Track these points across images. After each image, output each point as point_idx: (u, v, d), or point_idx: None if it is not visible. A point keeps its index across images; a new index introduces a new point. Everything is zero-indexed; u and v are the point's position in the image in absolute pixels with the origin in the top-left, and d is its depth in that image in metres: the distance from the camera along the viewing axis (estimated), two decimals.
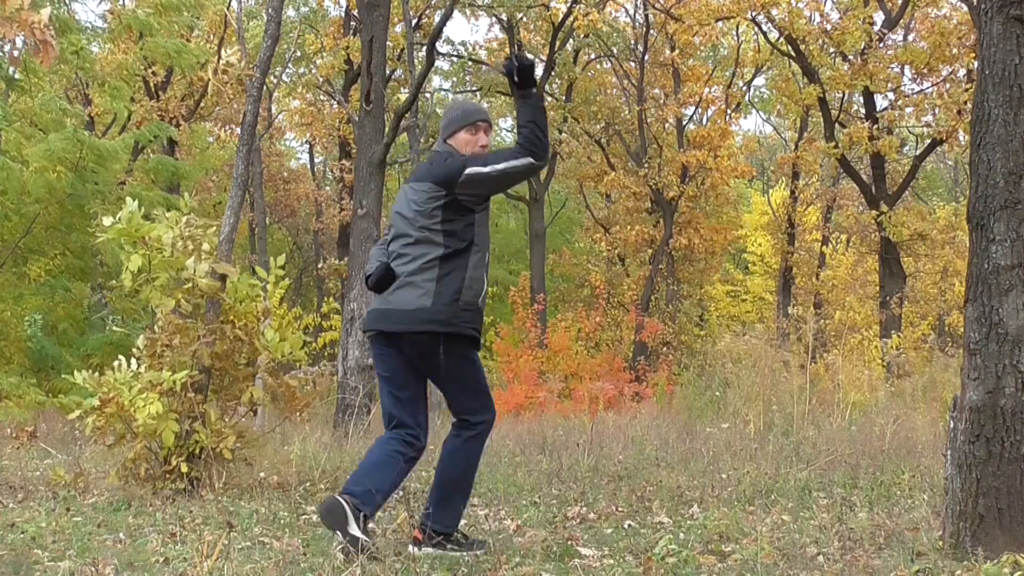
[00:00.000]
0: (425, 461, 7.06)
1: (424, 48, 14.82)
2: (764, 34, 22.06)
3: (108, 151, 12.79)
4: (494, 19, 25.07)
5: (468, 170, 4.13)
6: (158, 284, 5.87)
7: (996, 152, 3.90)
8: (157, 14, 14.49)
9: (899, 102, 20.31)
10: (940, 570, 3.72)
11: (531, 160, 4.11)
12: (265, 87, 13.92)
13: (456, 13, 19.59)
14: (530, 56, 3.91)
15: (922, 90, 20.75)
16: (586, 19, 20.18)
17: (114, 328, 11.05)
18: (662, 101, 25.28)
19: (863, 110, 21.36)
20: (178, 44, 14.82)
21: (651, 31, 23.97)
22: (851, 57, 19.92)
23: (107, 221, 5.81)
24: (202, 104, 23.63)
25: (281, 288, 6.30)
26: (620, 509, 5.29)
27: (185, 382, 5.76)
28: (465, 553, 4.12)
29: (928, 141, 20.02)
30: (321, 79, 23.09)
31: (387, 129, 11.72)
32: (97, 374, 5.94)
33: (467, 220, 4.20)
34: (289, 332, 6.22)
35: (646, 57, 24.51)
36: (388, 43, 13.85)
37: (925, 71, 19.60)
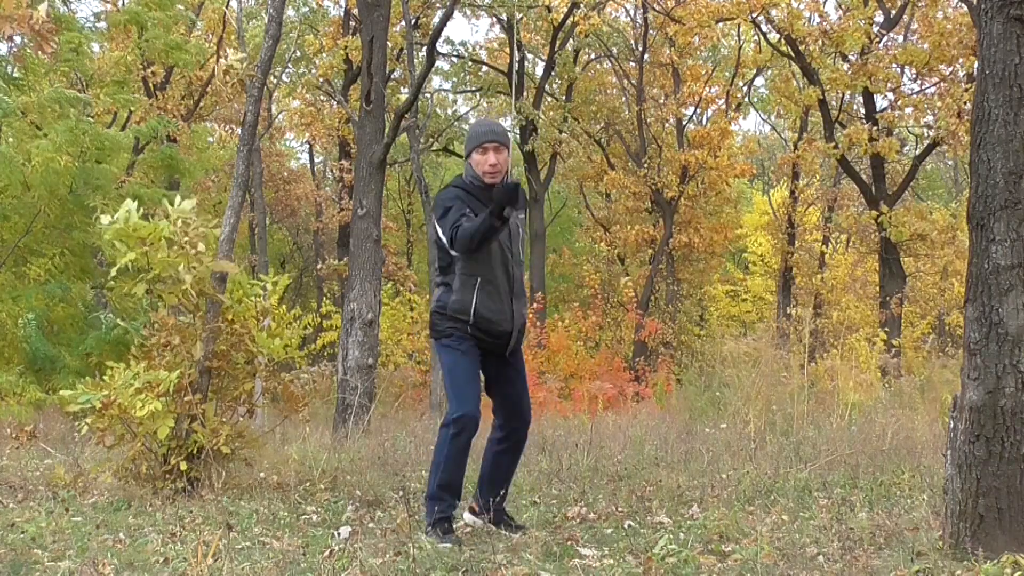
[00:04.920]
0: (424, 461, 7.08)
1: (424, 48, 14.82)
2: (764, 35, 22.08)
3: (112, 141, 12.80)
4: (494, 19, 25.09)
5: (434, 218, 4.69)
6: (150, 280, 5.86)
7: (996, 152, 3.90)
8: (150, 8, 14.48)
9: (899, 102, 20.31)
10: (940, 570, 3.72)
11: (450, 246, 4.60)
12: (265, 87, 13.93)
13: (456, 13, 19.58)
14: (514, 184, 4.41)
15: (922, 90, 20.76)
16: (587, 23, 20.20)
17: (118, 323, 11.04)
18: (662, 101, 25.29)
19: (863, 110, 21.36)
20: (175, 40, 14.78)
21: (651, 31, 23.97)
22: (851, 57, 19.92)
23: (105, 220, 5.79)
24: (201, 104, 23.62)
25: (280, 287, 6.30)
26: (620, 509, 5.29)
27: (182, 382, 5.75)
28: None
29: (928, 142, 20.01)
30: (321, 79, 23.09)
31: (387, 129, 11.72)
32: (97, 374, 5.94)
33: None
34: (283, 330, 6.22)
35: (645, 57, 24.52)
36: (388, 43, 13.84)
37: (925, 71, 19.59)
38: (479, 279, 4.64)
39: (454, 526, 4.62)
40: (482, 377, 4.84)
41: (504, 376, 4.86)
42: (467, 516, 4.90)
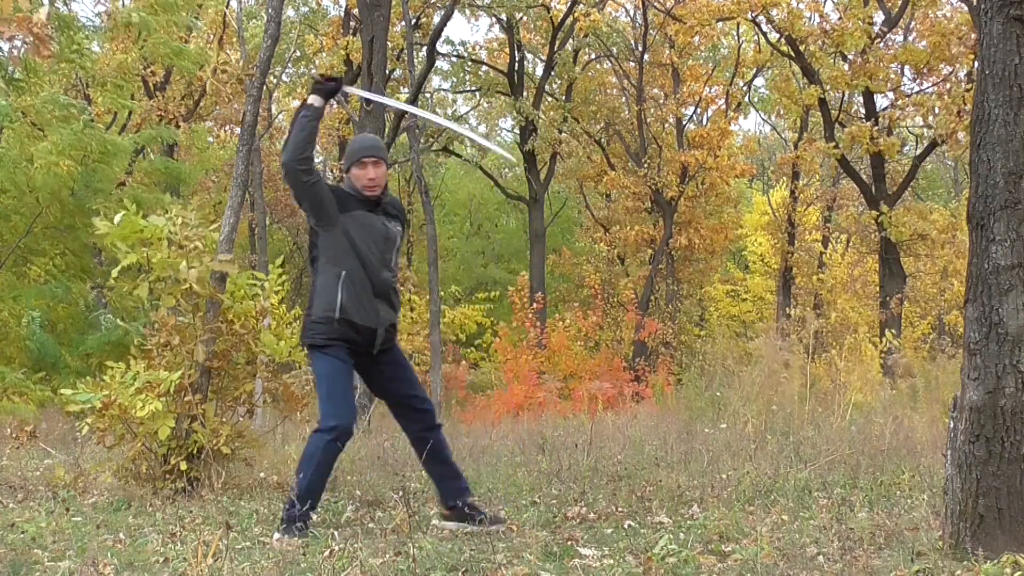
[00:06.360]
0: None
1: (424, 48, 14.82)
2: (764, 35, 22.08)
3: (115, 146, 12.84)
4: (494, 19, 25.09)
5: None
6: (152, 281, 5.87)
7: (996, 152, 3.90)
8: (153, 12, 14.48)
9: (899, 102, 20.31)
10: (940, 570, 3.72)
11: (281, 165, 4.77)
12: (265, 87, 13.89)
13: (456, 13, 19.58)
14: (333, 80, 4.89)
15: (922, 90, 20.76)
16: (588, 20, 20.19)
17: (118, 323, 11.05)
18: (661, 101, 25.30)
19: (863, 110, 21.36)
20: (178, 45, 14.83)
21: (650, 31, 23.98)
22: (851, 57, 19.93)
23: (103, 226, 5.80)
24: (201, 104, 23.62)
25: (281, 287, 6.31)
26: (620, 509, 5.29)
27: (183, 382, 5.75)
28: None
29: (928, 141, 20.00)
30: None
31: (387, 129, 11.73)
32: (97, 374, 5.94)
33: (320, 240, 4.80)
34: (283, 330, 6.22)
35: (645, 57, 24.52)
36: (388, 43, 13.85)
37: (925, 71, 19.60)
38: (343, 272, 4.70)
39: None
40: (359, 382, 5.00)
41: (385, 374, 4.91)
42: (441, 523, 4.89)
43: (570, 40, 24.47)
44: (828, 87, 19.74)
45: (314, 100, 4.80)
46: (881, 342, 13.95)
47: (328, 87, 4.89)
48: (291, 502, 4.55)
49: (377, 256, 4.80)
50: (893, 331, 17.14)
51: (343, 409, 4.65)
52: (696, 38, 22.23)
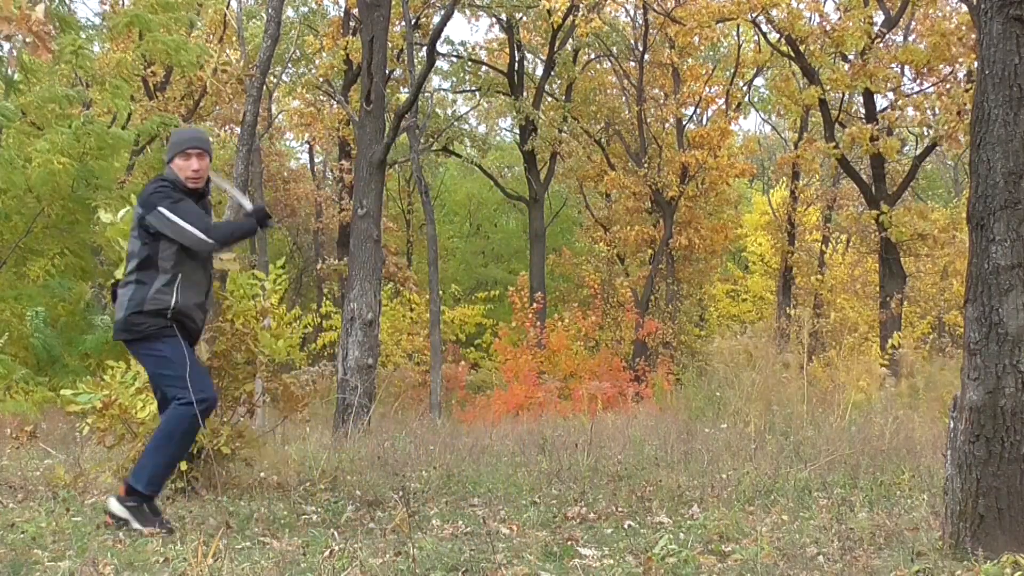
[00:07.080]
0: (424, 461, 7.07)
1: (424, 48, 14.83)
2: (764, 35, 22.08)
3: (116, 138, 12.81)
4: (494, 19, 25.09)
5: (159, 207, 4.73)
6: None
7: (996, 152, 3.90)
8: (154, 11, 14.46)
9: (899, 102, 20.32)
10: (940, 570, 3.72)
11: (205, 239, 4.72)
12: (265, 87, 13.90)
13: (456, 13, 19.59)
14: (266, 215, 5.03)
15: (922, 90, 20.76)
16: (588, 26, 20.21)
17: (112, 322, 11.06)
18: (662, 101, 25.31)
19: (863, 110, 21.37)
20: (178, 40, 14.80)
21: (651, 31, 23.98)
22: (851, 57, 19.93)
23: (105, 218, 5.80)
24: (201, 104, 23.62)
25: (280, 287, 6.30)
26: (620, 509, 5.29)
27: None
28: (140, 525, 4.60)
29: (928, 141, 20.01)
30: (321, 79, 23.10)
31: (387, 129, 11.72)
32: (98, 374, 5.94)
33: (161, 243, 4.77)
34: (285, 331, 6.22)
35: (645, 57, 24.52)
36: (388, 43, 13.85)
37: (925, 71, 19.59)
38: (180, 276, 4.81)
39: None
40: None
41: None
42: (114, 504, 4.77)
43: (570, 40, 24.48)
44: (828, 87, 19.75)
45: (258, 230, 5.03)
46: (887, 345, 13.94)
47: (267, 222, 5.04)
48: (141, 480, 4.64)
49: (208, 257, 4.99)
50: (900, 334, 17.17)
51: (206, 383, 4.81)
52: (696, 38, 22.23)
